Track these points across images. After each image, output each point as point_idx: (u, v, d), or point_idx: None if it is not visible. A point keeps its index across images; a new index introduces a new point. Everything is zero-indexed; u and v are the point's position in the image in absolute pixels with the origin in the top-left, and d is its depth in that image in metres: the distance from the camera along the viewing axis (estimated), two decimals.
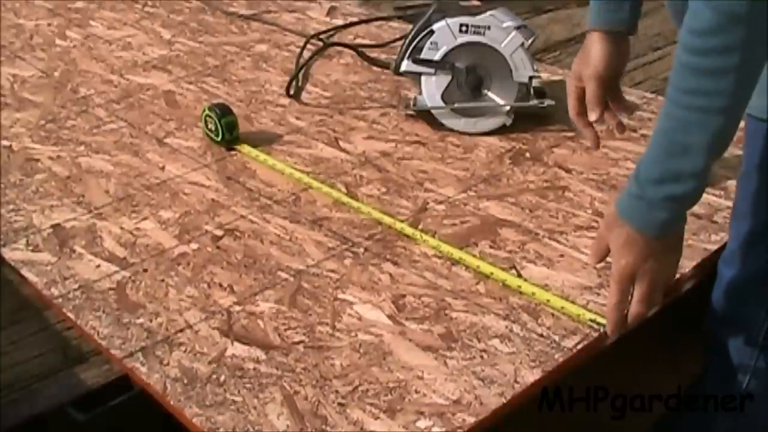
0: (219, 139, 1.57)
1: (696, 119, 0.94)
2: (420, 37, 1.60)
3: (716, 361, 1.22)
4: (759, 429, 1.22)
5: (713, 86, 0.92)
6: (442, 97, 1.60)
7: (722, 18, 0.89)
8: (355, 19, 2.14)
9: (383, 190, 1.43)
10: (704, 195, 1.32)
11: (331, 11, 2.23)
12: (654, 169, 0.98)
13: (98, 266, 1.27)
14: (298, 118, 1.69)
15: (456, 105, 1.60)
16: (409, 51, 1.61)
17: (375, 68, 1.88)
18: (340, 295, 1.18)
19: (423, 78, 1.60)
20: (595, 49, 1.27)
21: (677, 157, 0.96)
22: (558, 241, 1.27)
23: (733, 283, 1.17)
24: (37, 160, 1.57)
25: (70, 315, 1.17)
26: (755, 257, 1.14)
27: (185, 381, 1.05)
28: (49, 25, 2.23)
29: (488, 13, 1.58)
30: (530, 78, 1.59)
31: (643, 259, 1.02)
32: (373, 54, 1.93)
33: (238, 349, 1.10)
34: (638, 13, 1.28)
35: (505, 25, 1.57)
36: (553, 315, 1.12)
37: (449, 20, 1.58)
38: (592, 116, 1.29)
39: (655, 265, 1.02)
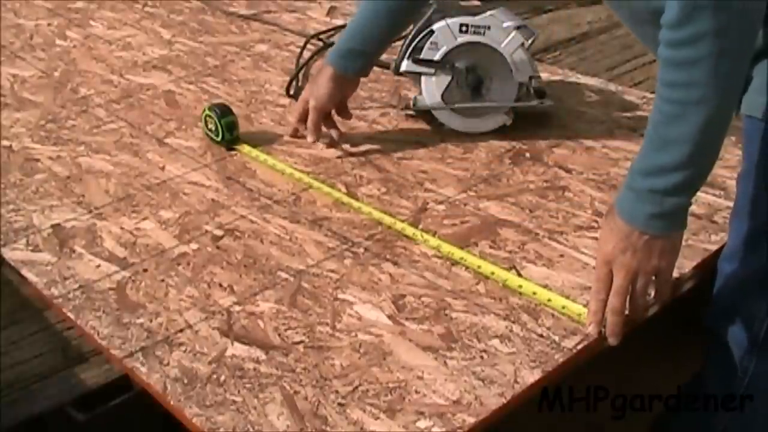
0: (219, 139, 1.57)
1: (676, 111, 0.96)
2: (420, 37, 1.60)
3: (716, 359, 1.22)
4: (759, 428, 1.22)
5: (687, 77, 0.94)
6: (442, 97, 1.60)
7: (688, 8, 0.92)
8: None
9: (383, 190, 1.43)
10: (704, 195, 1.35)
11: (331, 11, 2.23)
12: (642, 161, 1.01)
13: (98, 266, 1.27)
14: None
15: (456, 105, 1.60)
16: (409, 51, 1.60)
17: (375, 68, 1.88)
18: (340, 295, 1.18)
19: (423, 78, 1.60)
20: (325, 87, 1.51)
21: (661, 150, 0.98)
22: (558, 241, 1.28)
23: (734, 281, 1.17)
24: (37, 160, 1.57)
25: (70, 315, 1.17)
26: (756, 255, 1.14)
27: (185, 381, 1.05)
28: (49, 25, 2.23)
29: (488, 13, 1.58)
30: (530, 78, 1.58)
31: (621, 250, 1.02)
32: None
33: (238, 349, 1.10)
34: (374, 61, 1.55)
35: (505, 25, 1.57)
36: (553, 315, 1.12)
37: (449, 20, 1.58)
38: (310, 139, 1.53)
39: (633, 261, 1.02)
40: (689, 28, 0.93)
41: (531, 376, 1.03)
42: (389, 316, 1.14)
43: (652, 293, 1.08)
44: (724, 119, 0.97)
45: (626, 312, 1.07)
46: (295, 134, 1.59)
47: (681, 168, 0.98)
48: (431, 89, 1.60)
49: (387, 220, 1.33)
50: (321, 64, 1.55)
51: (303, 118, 1.55)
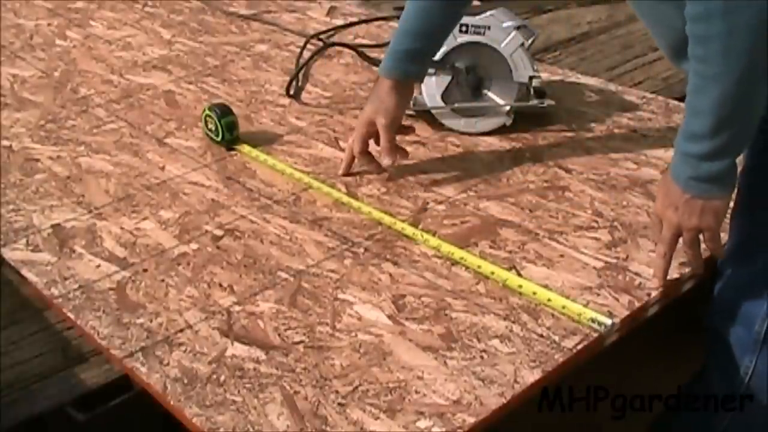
0: (219, 139, 1.57)
1: (699, 83, 1.00)
2: None
3: (717, 358, 1.22)
4: (759, 428, 1.22)
5: (704, 52, 0.98)
6: (442, 97, 1.60)
7: None
8: (355, 19, 2.14)
9: (383, 190, 1.43)
10: None
11: (331, 11, 2.23)
12: (683, 125, 1.05)
13: (98, 266, 1.27)
14: (298, 118, 1.69)
15: (456, 105, 1.60)
16: None
17: (375, 68, 1.88)
18: (340, 295, 1.18)
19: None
20: (392, 100, 1.40)
21: (693, 118, 1.03)
22: (558, 241, 1.27)
23: (736, 279, 1.18)
24: (37, 160, 1.57)
25: (70, 315, 1.17)
26: (759, 252, 1.14)
27: (185, 381, 1.05)
28: (49, 25, 2.23)
29: (488, 13, 1.58)
30: (530, 78, 1.59)
31: (667, 206, 1.09)
32: (373, 54, 1.93)
33: (238, 349, 1.10)
34: (429, 63, 1.45)
35: (505, 25, 1.57)
36: (553, 315, 1.12)
37: None
38: (388, 162, 1.41)
39: (675, 217, 1.08)
40: (702, 5, 0.96)
41: (531, 376, 1.03)
42: (389, 316, 1.14)
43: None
44: (745, 95, 0.99)
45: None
46: (348, 171, 1.45)
47: (708, 137, 1.01)
48: (431, 89, 1.60)
49: (387, 220, 1.33)
50: (380, 80, 1.41)
51: (365, 147, 1.43)
